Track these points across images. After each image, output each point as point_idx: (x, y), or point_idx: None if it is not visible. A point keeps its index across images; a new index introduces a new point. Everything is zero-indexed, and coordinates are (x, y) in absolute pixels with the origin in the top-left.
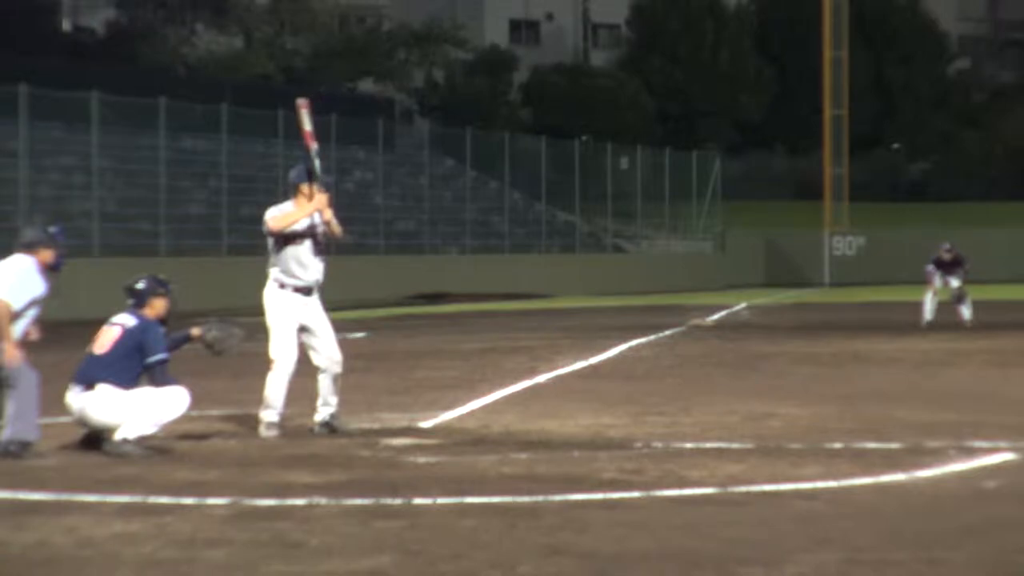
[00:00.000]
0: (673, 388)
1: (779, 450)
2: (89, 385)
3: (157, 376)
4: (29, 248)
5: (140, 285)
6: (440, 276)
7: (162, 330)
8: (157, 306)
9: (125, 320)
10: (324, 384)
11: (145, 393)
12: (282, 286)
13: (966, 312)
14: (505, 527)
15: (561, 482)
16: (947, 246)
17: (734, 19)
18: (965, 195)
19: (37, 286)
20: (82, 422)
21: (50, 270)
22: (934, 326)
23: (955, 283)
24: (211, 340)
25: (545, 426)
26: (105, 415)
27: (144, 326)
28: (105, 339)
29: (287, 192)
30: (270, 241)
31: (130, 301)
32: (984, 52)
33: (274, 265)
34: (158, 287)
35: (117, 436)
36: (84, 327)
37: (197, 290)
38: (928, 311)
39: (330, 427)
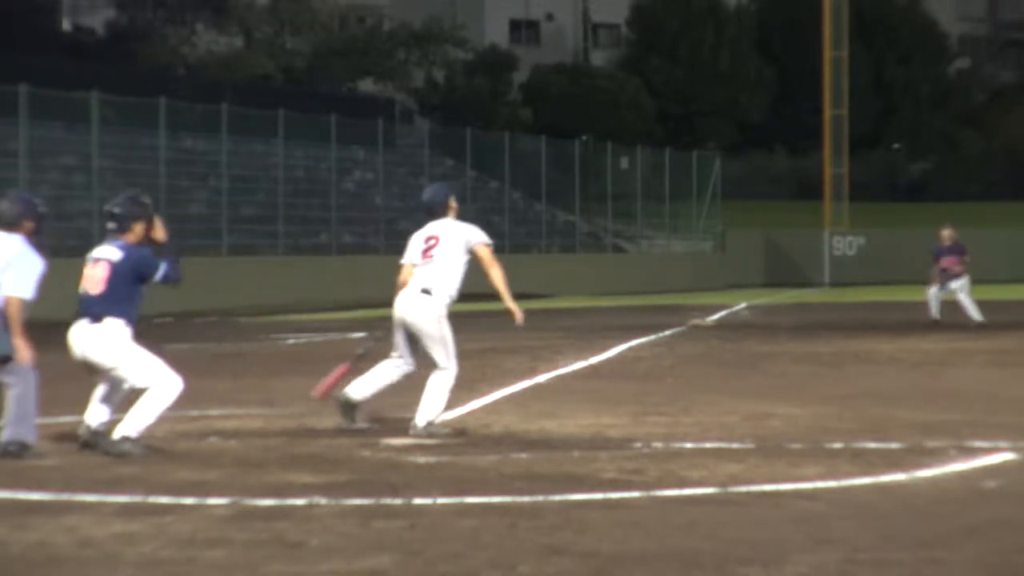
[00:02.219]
0: (673, 388)
1: (779, 450)
2: (97, 318)
3: (172, 273)
4: (13, 226)
5: (120, 210)
6: None
7: (147, 251)
8: (138, 230)
9: (109, 254)
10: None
11: (143, 358)
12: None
13: (973, 313)
14: (505, 527)
15: (561, 482)
16: (947, 231)
17: (734, 19)
18: (965, 195)
19: (38, 263)
20: (85, 360)
21: (37, 235)
22: (940, 324)
23: (955, 284)
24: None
25: (545, 426)
26: (110, 354)
27: (129, 255)
28: (96, 278)
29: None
30: (455, 259)
31: (111, 226)
32: (984, 52)
33: (446, 282)
34: (138, 209)
35: (116, 434)
36: None
37: (197, 290)
38: (934, 308)
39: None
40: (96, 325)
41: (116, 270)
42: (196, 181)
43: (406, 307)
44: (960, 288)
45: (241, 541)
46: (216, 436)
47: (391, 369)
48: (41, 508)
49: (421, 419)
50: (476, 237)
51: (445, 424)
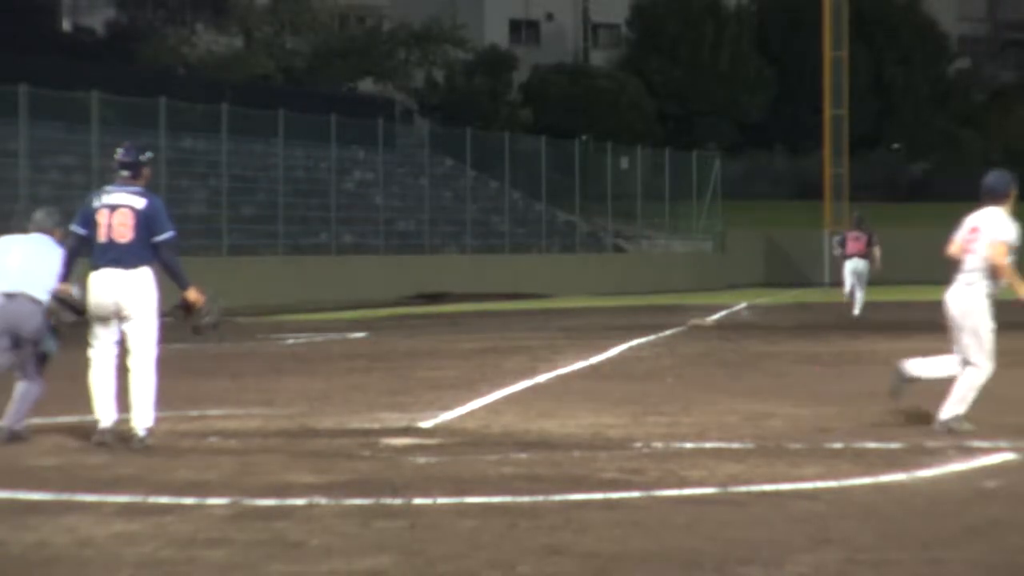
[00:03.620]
0: (673, 388)
1: (779, 450)
2: (131, 266)
3: (167, 256)
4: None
5: (131, 158)
6: (440, 276)
7: (164, 205)
8: (146, 175)
9: (131, 201)
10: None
11: (156, 322)
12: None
13: (858, 303)
14: (505, 527)
15: (561, 482)
16: (856, 216)
17: (734, 19)
18: (965, 195)
19: None
20: (116, 307)
21: None
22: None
23: (861, 278)
24: (204, 324)
25: (545, 426)
26: (144, 306)
27: (152, 204)
28: (123, 226)
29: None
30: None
31: (124, 173)
32: (984, 52)
33: (986, 274)
34: (144, 155)
35: (141, 430)
36: (84, 326)
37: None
38: (852, 299)
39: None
40: (132, 272)
41: (140, 217)
42: (196, 181)
43: (950, 299)
44: (861, 275)
45: (241, 541)
46: (216, 436)
47: (951, 363)
48: (41, 508)
49: (946, 413)
50: (994, 234)
51: (959, 420)
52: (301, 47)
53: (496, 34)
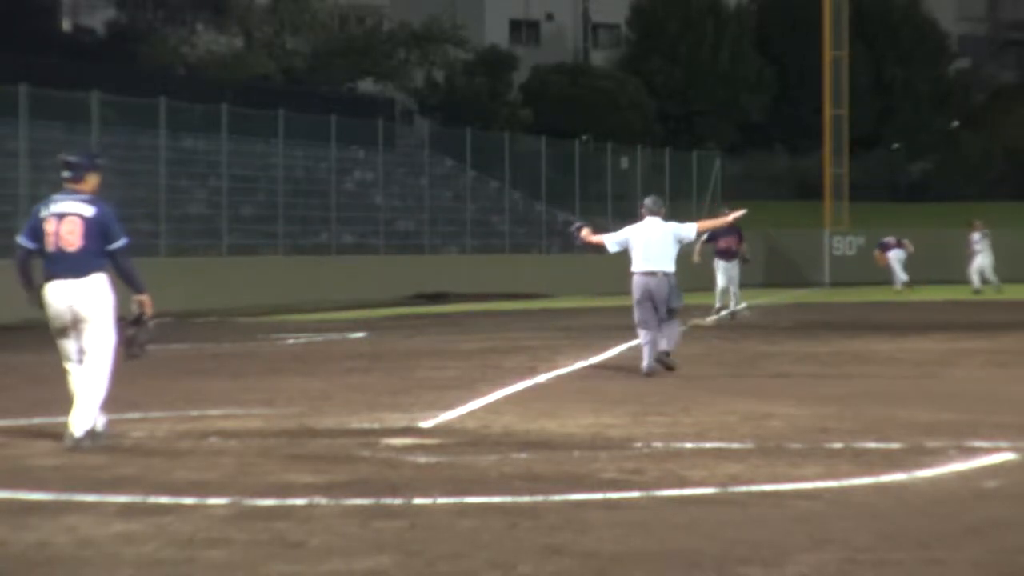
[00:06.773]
0: (673, 388)
1: (779, 450)
2: (81, 274)
3: (123, 262)
4: (655, 212)
5: (76, 159)
6: (440, 276)
7: (114, 212)
8: (92, 181)
9: (79, 209)
10: None
11: (112, 326)
12: None
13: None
14: (505, 527)
15: (561, 482)
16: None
17: (734, 19)
18: (965, 195)
19: None
20: (71, 312)
21: None
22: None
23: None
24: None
25: (545, 426)
26: (97, 307)
27: (102, 213)
28: (71, 235)
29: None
30: None
31: (67, 174)
32: (984, 52)
33: None
34: (94, 161)
35: (80, 431)
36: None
37: (197, 290)
38: (718, 297)
39: None
40: (85, 280)
41: (89, 225)
42: (196, 181)
43: None
44: (731, 272)
45: (241, 541)
46: (216, 436)
47: None
48: (41, 508)
49: None
50: None
51: None
52: (301, 47)
53: (496, 34)
